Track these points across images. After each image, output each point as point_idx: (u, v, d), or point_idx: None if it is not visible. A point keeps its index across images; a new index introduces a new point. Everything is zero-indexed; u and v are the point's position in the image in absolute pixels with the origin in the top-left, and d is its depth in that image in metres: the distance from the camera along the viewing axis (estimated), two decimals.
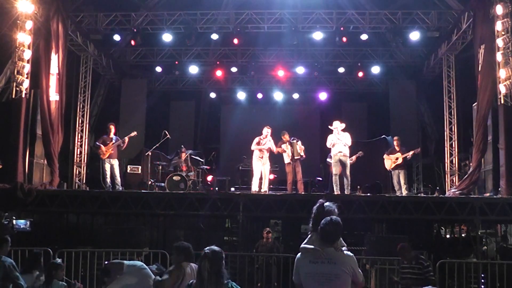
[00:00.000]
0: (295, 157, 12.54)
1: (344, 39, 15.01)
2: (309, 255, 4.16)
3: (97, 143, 13.12)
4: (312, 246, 4.18)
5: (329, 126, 12.35)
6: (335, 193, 11.92)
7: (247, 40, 16.22)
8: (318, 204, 4.48)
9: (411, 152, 12.79)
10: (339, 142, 12.11)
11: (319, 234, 4.18)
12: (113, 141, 12.97)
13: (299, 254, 4.28)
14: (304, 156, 12.74)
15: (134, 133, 13.31)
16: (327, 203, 4.46)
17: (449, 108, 15.75)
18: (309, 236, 4.43)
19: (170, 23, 15.14)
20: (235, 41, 15.68)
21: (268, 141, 12.54)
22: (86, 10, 15.52)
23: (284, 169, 12.98)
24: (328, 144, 12.34)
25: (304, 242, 4.37)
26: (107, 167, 12.92)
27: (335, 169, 12.17)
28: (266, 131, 12.57)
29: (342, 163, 12.12)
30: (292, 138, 12.73)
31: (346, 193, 11.96)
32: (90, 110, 17.02)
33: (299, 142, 12.67)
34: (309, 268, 4.12)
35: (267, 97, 19.78)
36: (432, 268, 8.98)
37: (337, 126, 12.18)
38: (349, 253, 4.19)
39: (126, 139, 13.01)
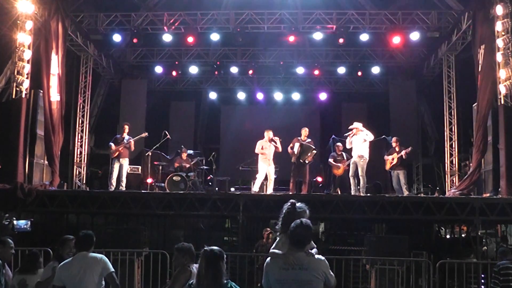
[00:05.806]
0: (301, 161, 12.32)
1: (341, 40, 15.00)
2: (279, 260, 3.95)
3: (110, 142, 13.06)
4: (281, 252, 3.99)
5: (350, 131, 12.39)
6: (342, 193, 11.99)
7: (247, 40, 16.21)
8: (289, 204, 4.25)
9: (403, 152, 12.71)
10: (356, 143, 12.19)
11: (289, 237, 3.98)
12: (125, 141, 12.96)
13: (268, 259, 4.08)
14: (311, 160, 12.65)
15: (145, 134, 13.34)
16: (299, 204, 4.24)
17: (449, 108, 15.74)
18: (278, 239, 4.23)
19: (170, 23, 15.15)
20: (240, 40, 15.53)
21: (269, 145, 12.24)
22: (86, 10, 15.52)
23: (285, 169, 12.95)
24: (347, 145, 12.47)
25: (273, 246, 4.19)
26: (116, 166, 12.85)
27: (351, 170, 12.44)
28: (267, 135, 12.31)
29: (357, 164, 12.21)
30: (309, 139, 12.49)
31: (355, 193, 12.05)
32: (90, 111, 17.04)
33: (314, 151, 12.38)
34: (279, 274, 3.91)
35: (267, 97, 19.80)
36: (432, 268, 9.02)
37: (357, 127, 12.27)
38: (320, 257, 4.00)
39: (132, 141, 12.95)
